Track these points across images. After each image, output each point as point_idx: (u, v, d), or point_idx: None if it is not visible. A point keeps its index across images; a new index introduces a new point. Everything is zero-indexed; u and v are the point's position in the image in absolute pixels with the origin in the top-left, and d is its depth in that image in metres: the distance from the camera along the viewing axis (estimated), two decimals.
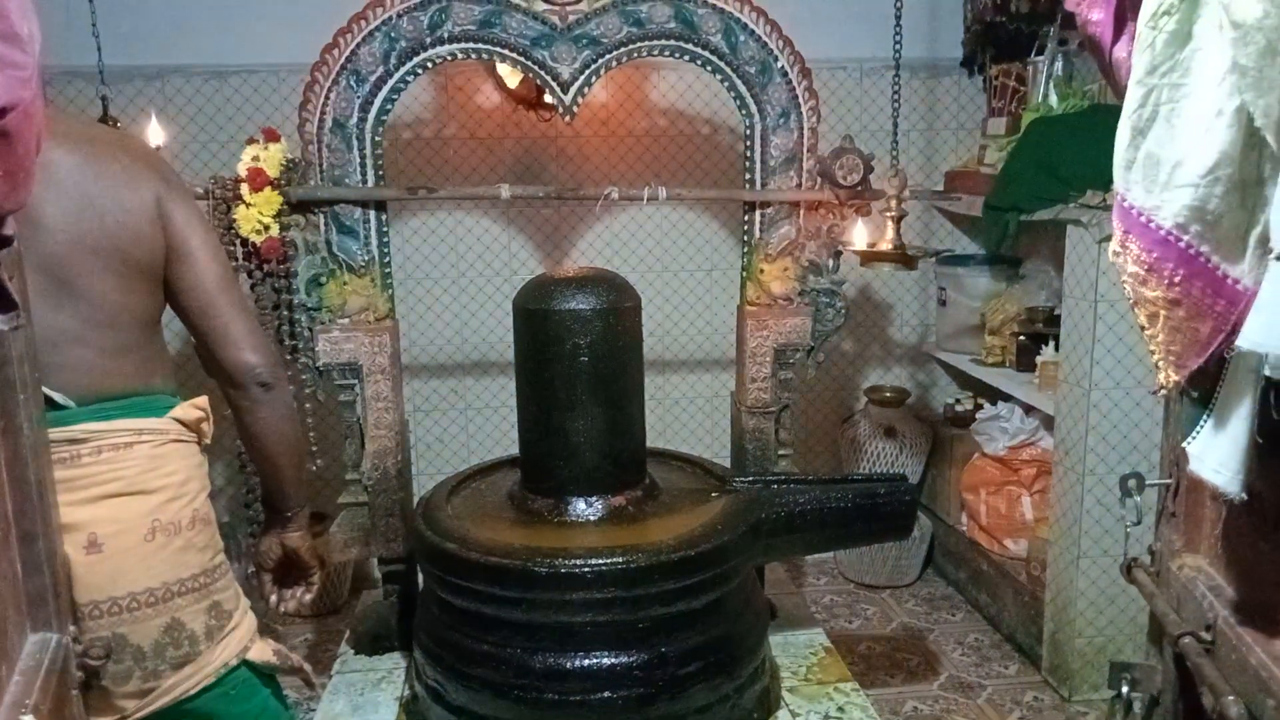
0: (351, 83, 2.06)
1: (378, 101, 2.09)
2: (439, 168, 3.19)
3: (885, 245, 2.00)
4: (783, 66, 2.12)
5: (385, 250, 2.20)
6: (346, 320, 2.19)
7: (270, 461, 1.50)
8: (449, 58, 2.08)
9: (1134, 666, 1.33)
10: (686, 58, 2.12)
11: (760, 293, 2.23)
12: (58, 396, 1.23)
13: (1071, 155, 2.41)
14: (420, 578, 2.26)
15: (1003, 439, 3.05)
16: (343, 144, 2.09)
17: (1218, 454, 0.93)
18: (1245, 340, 0.80)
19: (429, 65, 2.08)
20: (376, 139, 2.13)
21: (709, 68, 2.12)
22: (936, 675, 2.87)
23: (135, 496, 1.28)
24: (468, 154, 3.21)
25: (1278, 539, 1.01)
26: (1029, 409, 3.03)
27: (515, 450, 2.19)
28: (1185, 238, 0.73)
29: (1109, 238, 0.90)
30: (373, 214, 2.16)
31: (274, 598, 1.62)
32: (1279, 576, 1.01)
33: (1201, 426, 0.93)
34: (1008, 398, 3.11)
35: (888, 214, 2.03)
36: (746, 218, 2.23)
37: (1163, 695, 1.25)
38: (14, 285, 0.87)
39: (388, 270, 2.22)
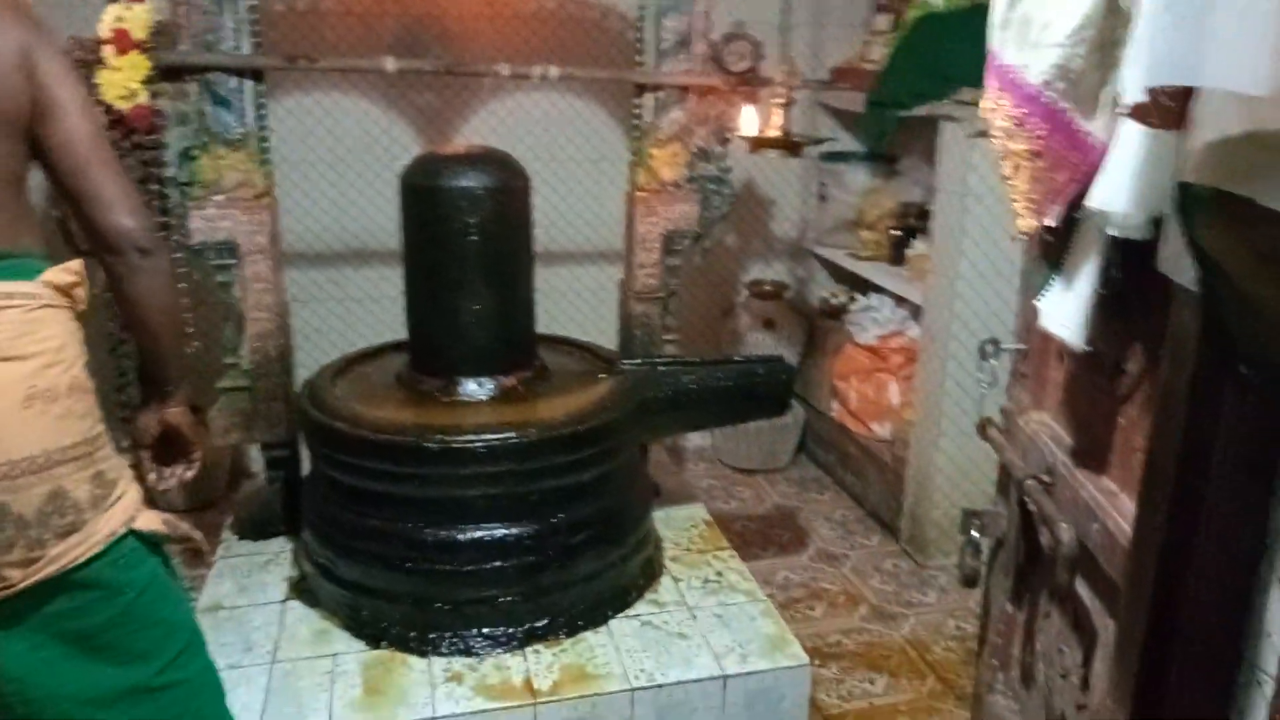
0: None
1: None
2: (315, 44, 3.03)
3: (773, 132, 2.05)
4: None
5: (263, 123, 2.11)
6: (222, 196, 2.11)
7: (150, 332, 1.45)
8: None
9: (983, 513, 1.47)
10: None
11: (650, 178, 2.26)
12: None
13: (953, 53, 2.49)
14: (305, 461, 2.25)
15: (874, 329, 3.21)
16: (215, 5, 1.98)
17: (1064, 310, 1.03)
18: (1094, 200, 0.89)
19: None
20: (252, 2, 2.02)
21: None
22: (805, 548, 3.08)
23: (9, 363, 1.23)
24: (345, 30, 3.06)
25: (1111, 389, 1.14)
26: (900, 300, 3.20)
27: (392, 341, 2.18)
28: (1049, 94, 0.81)
29: (981, 133, 0.97)
30: (249, 84, 2.06)
31: (153, 475, 1.59)
32: (1109, 424, 1.14)
33: (1051, 285, 1.03)
34: (880, 290, 3.27)
35: (776, 101, 2.07)
36: (637, 102, 2.24)
37: (1006, 535, 1.39)
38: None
39: (265, 144, 2.14)
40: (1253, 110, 0.64)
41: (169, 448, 1.59)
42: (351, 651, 1.95)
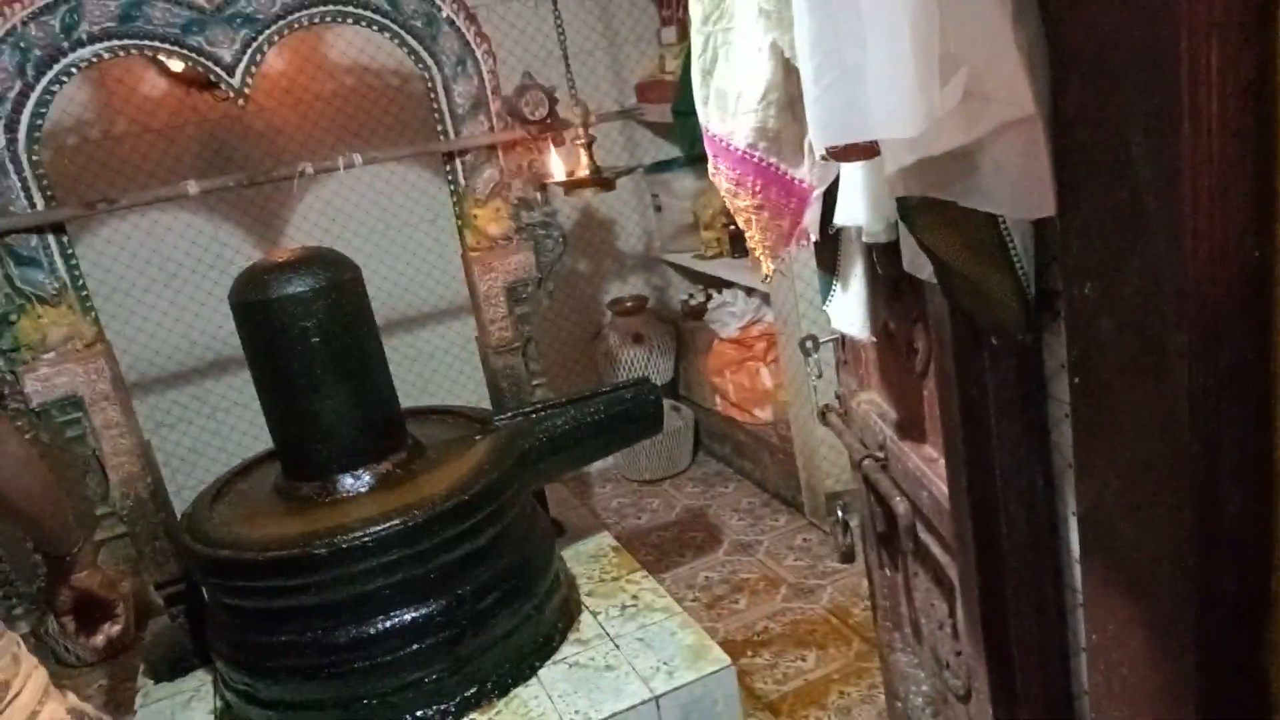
0: None
1: (25, 118, 1.94)
2: (117, 169, 2.97)
3: (582, 172, 2.13)
4: (448, 15, 2.15)
5: (76, 271, 2.07)
6: (52, 354, 2.06)
7: (19, 516, 1.42)
8: (94, 60, 1.95)
9: (844, 493, 1.58)
10: (350, 20, 2.11)
11: (479, 237, 2.31)
12: None
13: None
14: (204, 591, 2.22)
15: (734, 322, 3.34)
16: None
17: (847, 310, 1.13)
18: (839, 219, 0.99)
19: (74, 70, 1.95)
20: (35, 157, 1.98)
21: (375, 27, 2.12)
22: (720, 544, 3.18)
23: None
24: (146, 149, 3.00)
25: (911, 365, 1.25)
26: (750, 290, 3.33)
27: (270, 444, 2.17)
28: (757, 154, 0.90)
29: None
30: (51, 238, 2.01)
31: (82, 641, 1.56)
32: (917, 397, 1.25)
33: (833, 290, 1.13)
34: (730, 284, 3.40)
35: (578, 142, 2.14)
36: (448, 168, 2.28)
37: (862, 511, 1.50)
38: None
39: (84, 292, 2.09)
40: (915, 142, 0.74)
41: (90, 609, 1.56)
42: None
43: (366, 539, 1.87)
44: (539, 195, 2.31)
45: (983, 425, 1.01)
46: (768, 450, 3.33)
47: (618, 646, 2.12)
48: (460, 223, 2.32)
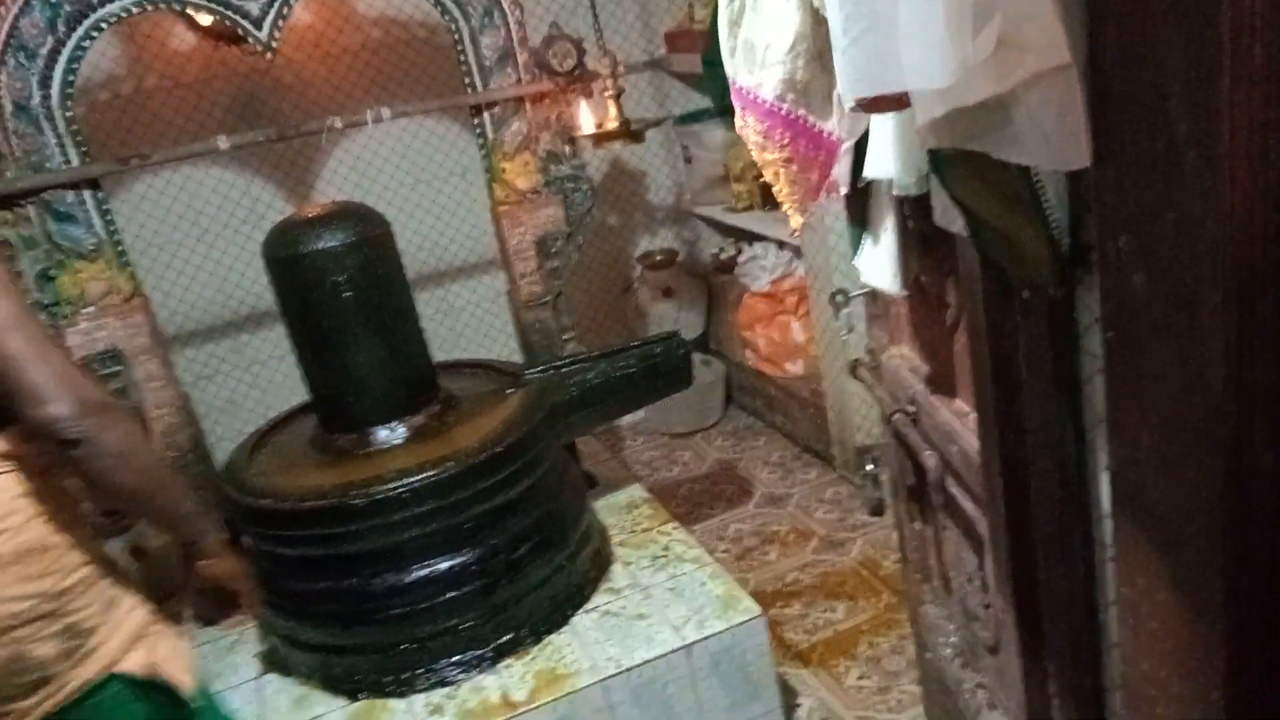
0: (21, 60, 1.91)
1: (57, 74, 1.95)
2: (149, 124, 2.98)
3: (611, 124, 2.11)
4: None
5: (113, 227, 2.10)
6: (91, 308, 2.10)
7: (133, 508, 1.42)
8: (123, 14, 1.96)
9: (874, 447, 1.58)
10: None
11: (507, 191, 2.30)
12: None
13: None
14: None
15: (764, 276, 3.32)
16: (31, 127, 1.95)
17: (878, 264, 1.12)
18: (869, 171, 0.97)
19: (104, 25, 1.95)
20: (68, 114, 2.00)
21: None
22: (751, 496, 3.20)
23: None
24: (177, 103, 3.02)
25: (943, 319, 1.24)
26: (782, 244, 3.30)
27: (307, 396, 2.21)
28: (785, 105, 0.88)
29: None
30: (87, 194, 2.04)
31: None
32: (948, 351, 1.25)
33: (863, 244, 1.12)
34: (762, 237, 3.37)
35: (607, 94, 2.12)
36: (476, 121, 2.27)
37: (892, 465, 1.50)
38: None
39: (120, 247, 2.13)
40: (946, 93, 0.72)
41: (220, 596, 1.56)
42: (334, 709, 2.00)
43: (401, 490, 1.91)
44: (567, 148, 2.30)
45: (1014, 379, 1.00)
46: (798, 404, 3.32)
47: (649, 596, 2.15)
48: (489, 176, 2.32)
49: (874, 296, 1.50)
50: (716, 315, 3.73)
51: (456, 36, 2.18)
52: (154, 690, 1.36)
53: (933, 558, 1.59)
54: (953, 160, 0.85)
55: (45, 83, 1.95)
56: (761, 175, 3.24)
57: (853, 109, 0.76)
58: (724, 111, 3.41)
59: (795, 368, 3.36)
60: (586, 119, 2.18)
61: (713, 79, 2.91)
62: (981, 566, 1.32)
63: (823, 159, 0.91)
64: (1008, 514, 1.09)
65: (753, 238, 3.45)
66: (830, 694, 2.27)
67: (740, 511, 3.12)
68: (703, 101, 3.57)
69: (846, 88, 0.71)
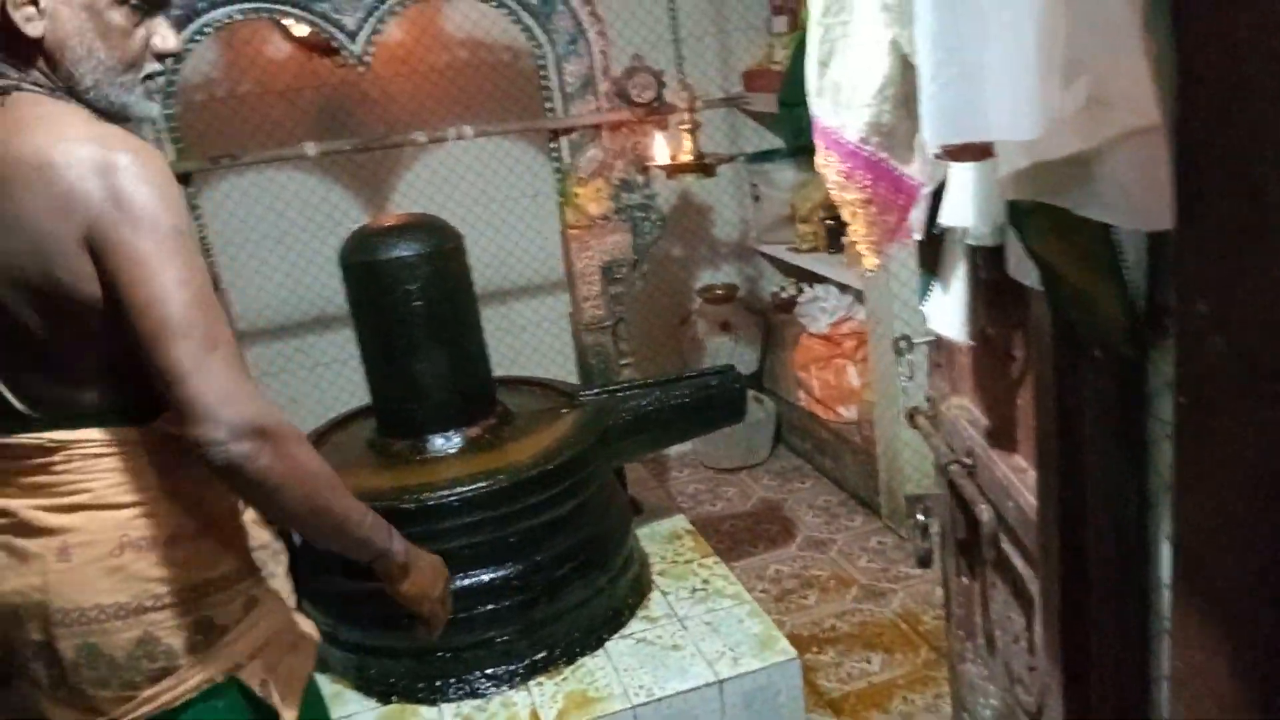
0: None
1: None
2: (239, 127, 3.10)
3: (685, 156, 2.14)
4: None
5: (199, 222, 2.18)
6: None
7: (305, 533, 1.32)
8: (226, 20, 2.04)
9: (926, 496, 1.56)
10: None
11: (579, 215, 2.34)
12: (20, 405, 1.18)
13: None
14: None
15: (824, 318, 3.31)
16: (134, 120, 2.04)
17: (946, 311, 1.12)
18: (944, 219, 0.98)
19: (208, 30, 2.05)
20: (167, 111, 2.09)
21: (492, 2, 2.17)
22: (793, 538, 3.17)
23: (105, 510, 1.21)
24: (267, 109, 3.13)
25: (1008, 372, 1.23)
26: (844, 287, 3.29)
27: (367, 400, 2.25)
28: (868, 148, 0.89)
29: None
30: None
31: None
32: (1011, 405, 1.23)
33: (931, 291, 1.12)
34: (824, 279, 3.37)
35: (683, 127, 2.15)
36: (553, 145, 2.32)
37: (943, 516, 1.48)
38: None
39: (206, 242, 2.21)
40: (1032, 146, 0.73)
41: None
42: (365, 710, 2.02)
43: (452, 498, 1.94)
44: (640, 177, 2.33)
45: (1078, 438, 0.99)
46: (849, 449, 3.29)
47: (685, 628, 2.14)
48: (562, 200, 2.36)
49: (937, 345, 1.49)
50: (772, 354, 3.72)
51: (541, 62, 2.23)
52: (264, 706, 1.31)
53: (978, 615, 1.56)
54: (1032, 213, 0.85)
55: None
56: (829, 217, 3.26)
57: (936, 156, 0.77)
58: (796, 152, 3.44)
59: (848, 412, 3.33)
60: (661, 150, 2.21)
61: (788, 119, 2.95)
62: (1029, 627, 1.29)
63: (902, 202, 0.91)
64: (1061, 574, 1.07)
65: (814, 279, 3.44)
66: None
67: (782, 553, 3.09)
68: (775, 141, 3.60)
69: (931, 134, 0.71)
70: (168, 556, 1.24)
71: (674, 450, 3.78)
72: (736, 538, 3.21)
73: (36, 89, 1.16)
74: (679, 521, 2.64)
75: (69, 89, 1.17)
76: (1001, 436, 1.28)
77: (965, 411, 1.42)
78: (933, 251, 1.11)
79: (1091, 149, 0.75)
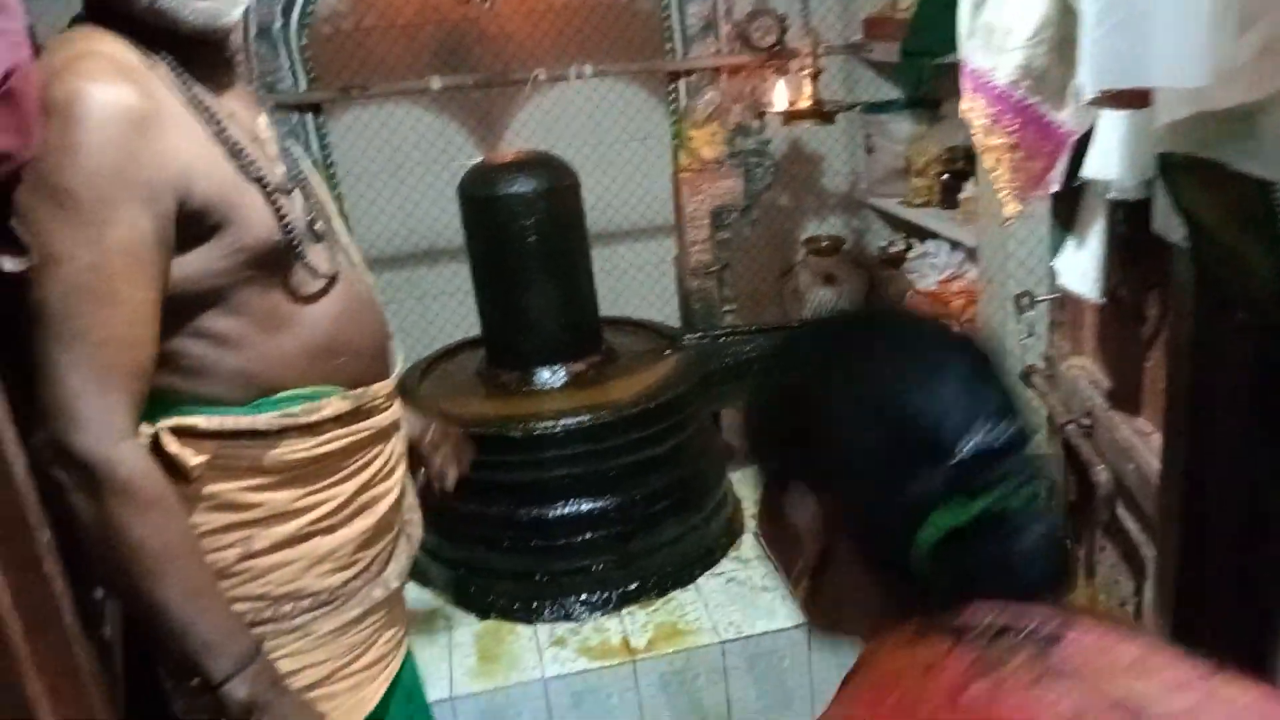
0: None
1: (298, 4, 2.12)
2: (363, 60, 3.17)
3: (804, 103, 2.11)
4: None
5: (326, 151, 2.26)
6: None
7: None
8: None
9: (1035, 458, 1.55)
10: None
11: (691, 159, 2.35)
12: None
13: None
14: None
15: (933, 274, 3.23)
16: (269, 50, 2.13)
17: (1080, 267, 1.10)
18: (1088, 170, 0.96)
19: None
20: (303, 41, 2.16)
21: None
22: None
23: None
24: (390, 44, 3.19)
25: (1136, 334, 1.20)
26: (955, 244, 3.21)
27: (471, 333, 2.32)
28: (1018, 92, 0.88)
29: None
30: (309, 117, 2.21)
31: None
32: (1138, 366, 1.21)
33: (1065, 245, 1.10)
34: (935, 235, 3.28)
35: (804, 72, 2.12)
36: (671, 87, 2.32)
37: (1056, 477, 1.47)
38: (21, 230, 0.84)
39: (332, 170, 2.29)
40: (1196, 94, 0.71)
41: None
42: (463, 624, 2.12)
43: (556, 429, 2.00)
44: (756, 123, 2.32)
45: (1211, 404, 0.97)
46: None
47: (776, 571, 2.17)
48: (676, 142, 2.36)
49: (1061, 303, 1.46)
50: None
51: (664, 2, 2.22)
52: None
53: (1081, 578, 1.55)
54: (1185, 167, 0.83)
55: (287, 10, 2.12)
56: (944, 172, 3.16)
57: (1092, 101, 0.75)
58: (914, 103, 3.35)
59: None
60: (780, 96, 2.19)
61: (909, 69, 2.86)
62: (1138, 592, 1.28)
63: (1049, 149, 0.90)
64: (1181, 542, 1.06)
65: (925, 234, 3.36)
66: None
67: None
68: (893, 92, 3.49)
69: (1091, 79, 0.70)
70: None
71: None
72: None
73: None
74: None
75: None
76: (1125, 398, 1.26)
77: (1086, 371, 1.40)
78: (1069, 205, 1.09)
79: (1257, 101, 0.73)
